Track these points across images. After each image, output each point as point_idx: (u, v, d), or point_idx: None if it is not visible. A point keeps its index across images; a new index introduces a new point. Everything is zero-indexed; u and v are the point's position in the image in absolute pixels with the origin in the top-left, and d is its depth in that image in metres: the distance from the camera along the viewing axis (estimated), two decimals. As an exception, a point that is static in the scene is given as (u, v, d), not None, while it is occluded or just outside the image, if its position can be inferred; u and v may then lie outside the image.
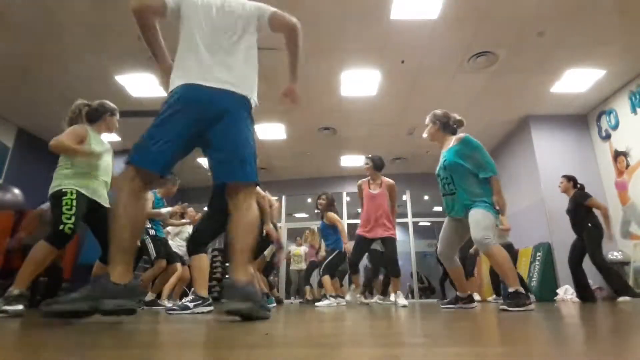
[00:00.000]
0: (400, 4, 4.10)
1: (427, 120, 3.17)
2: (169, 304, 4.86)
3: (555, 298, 5.11)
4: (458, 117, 3.11)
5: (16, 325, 1.68)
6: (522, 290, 2.53)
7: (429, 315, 2.36)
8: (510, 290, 2.54)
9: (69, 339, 1.13)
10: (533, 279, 5.96)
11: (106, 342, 1.05)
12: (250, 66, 1.93)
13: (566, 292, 5.06)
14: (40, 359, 0.78)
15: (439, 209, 12.21)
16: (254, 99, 1.88)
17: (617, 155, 5.81)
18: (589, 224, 4.36)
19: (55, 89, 5.42)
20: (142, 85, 5.54)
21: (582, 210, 4.44)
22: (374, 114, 6.54)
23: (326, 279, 4.86)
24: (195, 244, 2.80)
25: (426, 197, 10.91)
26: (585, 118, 6.59)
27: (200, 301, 2.59)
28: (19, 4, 4.00)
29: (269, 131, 6.96)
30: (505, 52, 4.92)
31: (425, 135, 3.22)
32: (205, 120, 1.72)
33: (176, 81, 1.80)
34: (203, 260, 2.77)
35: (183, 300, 2.70)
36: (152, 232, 4.52)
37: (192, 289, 2.81)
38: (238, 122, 1.77)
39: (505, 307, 2.45)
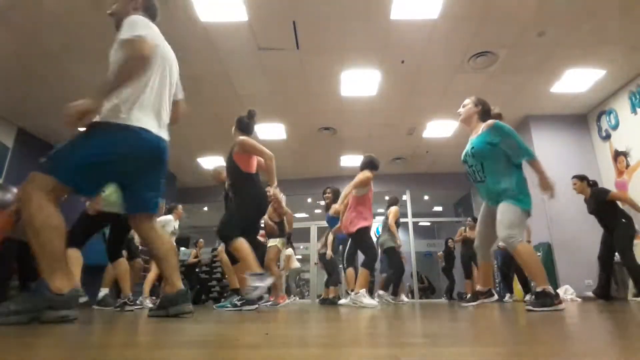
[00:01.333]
0: (400, 4, 4.09)
1: (468, 100, 3.02)
2: (149, 303, 4.84)
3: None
4: (498, 111, 2.99)
5: (13, 325, 1.68)
6: (550, 289, 2.40)
7: (429, 315, 2.36)
8: (538, 289, 2.45)
9: (68, 339, 1.13)
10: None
11: (106, 342, 1.05)
12: None
13: (566, 292, 5.06)
14: (38, 358, 0.78)
15: (439, 209, 12.22)
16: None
17: (617, 155, 5.81)
18: (623, 220, 4.27)
19: (55, 89, 5.42)
20: (142, 85, 5.53)
21: (608, 206, 4.36)
22: (374, 114, 6.53)
23: (350, 271, 4.85)
24: (223, 236, 2.98)
25: (426, 197, 10.91)
26: (585, 118, 6.59)
27: (257, 275, 2.77)
28: (19, 4, 4.01)
29: (269, 131, 6.96)
30: (505, 52, 4.92)
31: (460, 111, 3.06)
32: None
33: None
34: (244, 242, 2.91)
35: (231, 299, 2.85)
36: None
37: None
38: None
39: (530, 307, 2.37)
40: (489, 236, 2.91)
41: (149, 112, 1.82)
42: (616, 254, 4.48)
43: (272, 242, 4.89)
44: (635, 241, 5.05)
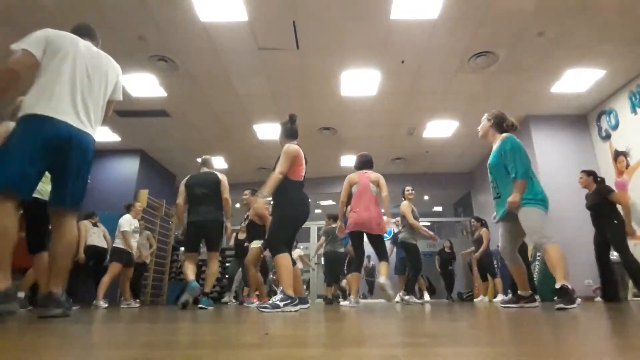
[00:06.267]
0: (400, 4, 4.09)
1: (484, 117, 3.19)
2: (104, 304, 4.80)
3: (555, 298, 5.11)
4: (512, 121, 3.11)
5: (12, 325, 1.68)
6: (568, 285, 2.52)
7: (429, 315, 2.36)
8: (557, 286, 2.56)
9: (69, 338, 1.13)
10: (533, 279, 5.97)
11: (106, 342, 1.05)
12: None
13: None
14: (41, 358, 0.78)
15: (439, 209, 12.23)
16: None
17: (617, 155, 5.81)
18: (615, 221, 4.28)
19: None
20: (142, 85, 5.54)
21: (606, 205, 4.37)
22: (374, 114, 6.54)
23: (351, 278, 4.89)
24: (275, 244, 2.88)
25: (426, 197, 10.91)
26: (585, 118, 6.58)
27: (288, 300, 2.65)
28: (18, 4, 4.01)
29: (269, 131, 6.96)
30: (505, 52, 4.92)
31: (478, 129, 3.24)
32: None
33: None
34: (287, 259, 2.83)
35: (273, 299, 2.71)
36: None
37: (280, 288, 2.82)
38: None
39: (561, 305, 2.47)
40: (512, 240, 3.01)
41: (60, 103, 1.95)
42: (615, 253, 4.48)
43: (256, 244, 4.80)
44: (635, 241, 5.07)
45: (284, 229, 2.98)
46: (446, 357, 0.76)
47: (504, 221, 3.01)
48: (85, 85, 2.06)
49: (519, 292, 3.10)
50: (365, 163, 4.33)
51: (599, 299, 4.72)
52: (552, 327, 1.35)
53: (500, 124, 3.09)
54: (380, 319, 1.95)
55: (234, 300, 6.88)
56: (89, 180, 2.14)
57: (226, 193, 4.12)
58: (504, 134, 3.00)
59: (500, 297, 5.94)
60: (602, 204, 4.39)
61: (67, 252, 2.02)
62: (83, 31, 2.30)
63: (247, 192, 5.05)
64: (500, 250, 3.09)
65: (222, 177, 4.16)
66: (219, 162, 8.61)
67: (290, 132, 3.36)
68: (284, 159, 3.05)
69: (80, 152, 1.98)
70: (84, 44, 2.16)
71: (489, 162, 3.06)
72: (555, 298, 2.65)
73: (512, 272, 3.12)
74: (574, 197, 5.33)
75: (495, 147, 3.03)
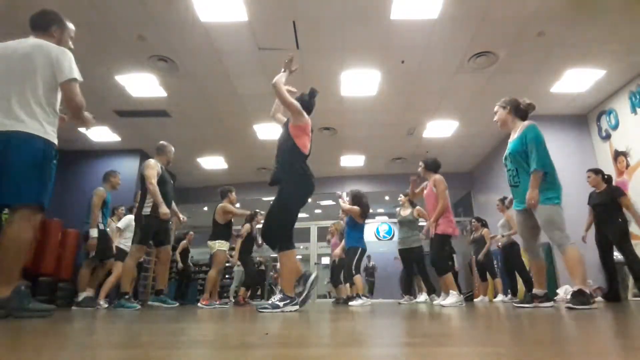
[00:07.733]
0: (400, 4, 4.09)
1: (496, 106, 3.12)
2: (104, 304, 4.81)
3: (555, 298, 5.11)
4: (528, 101, 3.04)
5: (12, 325, 1.68)
6: (586, 290, 2.54)
7: (429, 315, 2.36)
8: (574, 288, 2.57)
9: (70, 338, 1.13)
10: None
11: (106, 342, 1.05)
12: None
13: (566, 292, 5.05)
14: (42, 358, 0.78)
15: (439, 208, 12.20)
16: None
17: (617, 155, 5.81)
18: (619, 220, 4.30)
19: (55, 89, 5.41)
20: (142, 85, 5.54)
21: (614, 205, 4.40)
22: (374, 114, 6.53)
23: (358, 278, 4.91)
24: (280, 236, 2.73)
25: (426, 197, 10.87)
26: (585, 118, 6.58)
27: (288, 300, 2.62)
28: (18, 4, 4.01)
29: (269, 131, 6.95)
30: (505, 52, 4.92)
31: (495, 119, 3.14)
32: None
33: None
34: (292, 257, 2.72)
35: (273, 299, 2.67)
36: (101, 226, 4.72)
37: (279, 287, 2.76)
38: None
39: (570, 305, 2.48)
40: (532, 235, 2.98)
41: None
42: (617, 254, 4.48)
43: (220, 245, 4.97)
44: (635, 241, 5.06)
45: (290, 210, 2.75)
46: (446, 357, 0.76)
47: (521, 214, 2.95)
48: (5, 87, 2.09)
49: (534, 290, 3.02)
50: None
51: (599, 298, 4.72)
52: (552, 327, 1.35)
53: (517, 107, 3.02)
54: (380, 319, 1.95)
55: (232, 300, 6.89)
56: (44, 179, 2.06)
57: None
58: (526, 122, 2.94)
59: (500, 297, 5.94)
60: (611, 204, 4.40)
61: (8, 247, 1.94)
62: (31, 24, 2.36)
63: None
64: (524, 247, 3.07)
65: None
66: (219, 162, 8.61)
67: (305, 107, 3.09)
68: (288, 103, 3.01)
69: None
70: (10, 45, 2.21)
71: (507, 151, 2.98)
72: (569, 297, 2.65)
73: (533, 268, 3.06)
74: (574, 197, 5.29)
75: (516, 134, 2.95)
